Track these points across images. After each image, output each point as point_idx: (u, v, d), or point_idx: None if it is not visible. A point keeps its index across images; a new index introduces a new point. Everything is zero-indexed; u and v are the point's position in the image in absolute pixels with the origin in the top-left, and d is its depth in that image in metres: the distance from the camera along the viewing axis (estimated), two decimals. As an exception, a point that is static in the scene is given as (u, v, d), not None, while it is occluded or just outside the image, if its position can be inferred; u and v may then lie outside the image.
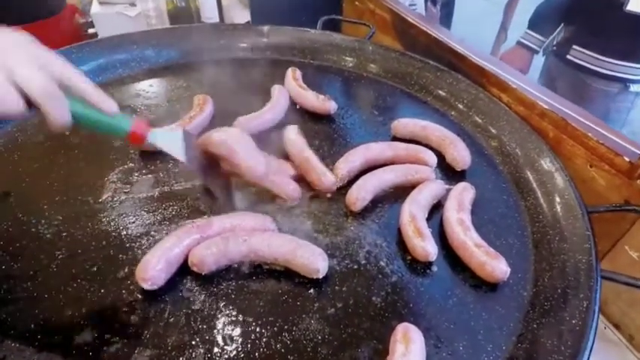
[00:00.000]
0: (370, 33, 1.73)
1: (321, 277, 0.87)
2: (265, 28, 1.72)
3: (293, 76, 1.47)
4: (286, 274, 0.89)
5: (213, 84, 1.50)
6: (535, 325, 0.81)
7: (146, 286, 0.81)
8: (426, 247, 0.92)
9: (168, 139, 0.87)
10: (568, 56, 2.03)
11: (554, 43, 2.17)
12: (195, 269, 0.87)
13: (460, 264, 0.94)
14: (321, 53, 1.70)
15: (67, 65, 0.69)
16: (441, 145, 1.23)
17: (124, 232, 0.96)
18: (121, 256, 0.92)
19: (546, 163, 1.14)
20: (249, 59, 1.68)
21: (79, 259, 0.90)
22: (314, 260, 0.86)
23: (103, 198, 1.04)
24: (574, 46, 2.00)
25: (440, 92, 1.51)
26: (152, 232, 0.97)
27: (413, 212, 0.99)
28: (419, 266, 0.94)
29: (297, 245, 0.88)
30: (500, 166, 1.24)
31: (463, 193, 1.05)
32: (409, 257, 0.96)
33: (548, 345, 0.75)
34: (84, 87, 0.71)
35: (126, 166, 1.13)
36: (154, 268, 0.81)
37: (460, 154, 1.18)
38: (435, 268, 0.94)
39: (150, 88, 1.47)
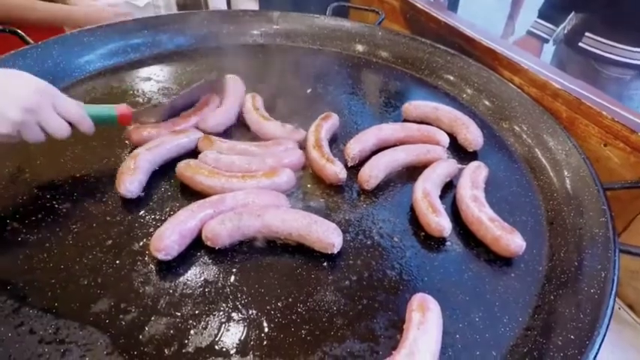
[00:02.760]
0: (380, 19, 1.73)
1: (335, 252, 0.87)
2: (275, 14, 1.72)
3: (253, 104, 1.24)
4: (300, 249, 0.89)
5: (223, 69, 1.50)
6: (552, 297, 0.81)
7: (160, 256, 0.81)
8: (441, 222, 0.91)
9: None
10: (580, 44, 2.01)
11: (565, 31, 2.15)
12: (209, 243, 0.87)
13: (474, 240, 0.94)
14: (330, 39, 1.70)
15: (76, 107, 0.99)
16: (452, 126, 1.23)
17: (139, 207, 0.96)
18: (135, 229, 0.92)
19: (560, 143, 1.13)
20: (259, 45, 1.68)
21: (94, 232, 0.91)
22: (329, 235, 0.86)
23: (113, 172, 1.04)
24: (586, 34, 1.97)
25: (450, 76, 1.50)
26: (166, 208, 0.97)
27: (427, 189, 0.98)
28: (433, 242, 0.94)
29: (311, 220, 0.88)
30: (513, 146, 1.24)
31: (477, 171, 1.05)
32: (423, 233, 0.95)
33: (567, 314, 0.75)
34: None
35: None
36: (168, 238, 0.81)
37: (472, 135, 1.18)
38: (448, 244, 0.94)
39: (160, 72, 1.48)
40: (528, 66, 1.31)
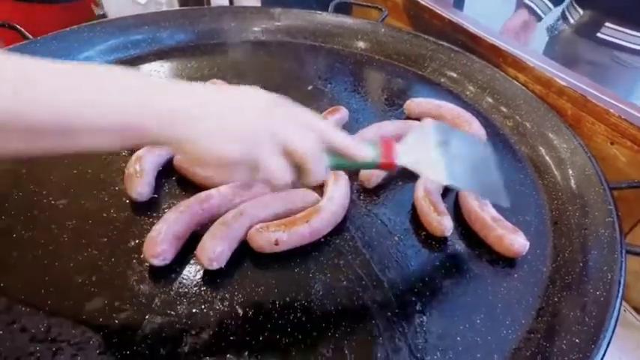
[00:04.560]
0: (383, 16, 1.71)
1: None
2: (277, 10, 1.71)
3: None
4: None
5: (224, 66, 1.49)
6: (556, 299, 0.78)
7: (156, 262, 0.79)
8: (442, 221, 0.89)
9: (419, 150, 0.71)
10: (599, 34, 1.97)
11: (573, 21, 2.11)
12: (215, 266, 0.81)
13: (476, 240, 0.92)
14: (332, 36, 1.68)
15: (327, 124, 0.67)
16: (455, 123, 1.20)
17: (135, 204, 0.95)
18: (132, 227, 0.91)
19: (565, 141, 1.11)
20: (260, 42, 1.67)
21: (90, 229, 0.89)
22: (308, 193, 0.91)
23: (115, 171, 1.03)
24: (607, 24, 1.93)
25: (454, 74, 1.48)
26: (164, 205, 0.96)
27: (428, 187, 0.96)
28: (434, 242, 0.92)
29: (288, 193, 0.90)
30: (517, 145, 1.21)
31: None
32: (424, 233, 0.93)
33: (571, 317, 0.72)
34: (345, 144, 0.66)
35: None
36: (160, 245, 0.79)
37: (476, 132, 1.15)
38: (450, 244, 0.92)
39: (160, 68, 1.47)
40: (534, 63, 1.28)
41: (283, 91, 1.33)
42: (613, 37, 1.94)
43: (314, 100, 1.35)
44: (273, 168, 0.60)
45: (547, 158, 1.12)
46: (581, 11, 2.08)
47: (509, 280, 0.84)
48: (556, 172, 1.08)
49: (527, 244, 0.84)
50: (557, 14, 2.24)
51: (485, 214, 0.91)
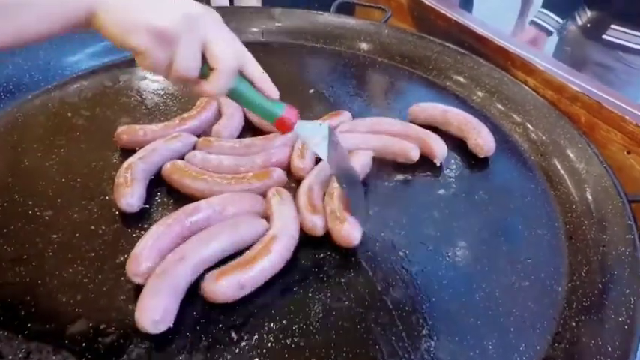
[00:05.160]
0: (386, 17, 1.66)
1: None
2: (277, 11, 1.65)
3: None
4: (293, 266, 0.82)
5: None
6: (574, 324, 0.73)
7: (140, 280, 0.73)
8: (314, 220, 0.85)
9: (314, 133, 0.85)
10: (604, 36, 1.93)
11: (580, 23, 2.08)
12: (162, 328, 0.70)
13: (484, 256, 0.87)
14: (334, 37, 1.62)
15: (247, 51, 0.75)
16: (462, 130, 1.15)
17: (126, 216, 0.90)
18: (121, 240, 0.86)
19: (578, 150, 1.06)
20: (260, 43, 1.61)
21: (77, 243, 0.84)
22: (255, 224, 0.83)
23: (105, 180, 0.98)
24: (612, 26, 1.90)
25: (460, 77, 1.42)
26: (156, 216, 0.91)
27: (312, 184, 0.93)
28: (440, 257, 0.87)
29: (231, 224, 0.82)
30: (527, 153, 1.16)
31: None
32: (430, 247, 0.88)
33: (592, 346, 0.67)
34: (262, 76, 0.77)
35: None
36: (145, 262, 0.74)
37: (484, 140, 1.10)
38: (459, 260, 0.86)
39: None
40: (544, 67, 1.23)
41: (283, 94, 1.29)
42: (619, 38, 1.92)
43: (315, 104, 1.30)
44: (187, 54, 0.66)
45: (559, 168, 1.07)
46: (589, 13, 2.05)
47: (522, 301, 0.79)
48: (569, 183, 1.02)
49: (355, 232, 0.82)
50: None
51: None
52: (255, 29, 1.63)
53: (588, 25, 2.03)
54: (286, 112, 0.79)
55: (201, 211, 0.83)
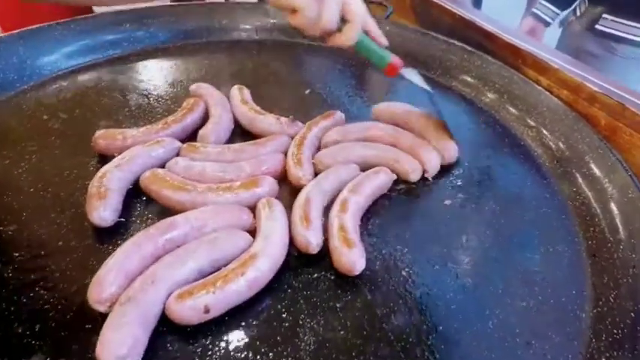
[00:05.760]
0: (387, 12, 1.56)
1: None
2: (272, 7, 1.56)
3: (241, 97, 1.12)
4: (279, 288, 0.73)
5: (213, 67, 1.36)
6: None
7: (103, 309, 0.64)
8: (308, 235, 0.76)
9: (416, 77, 1.03)
10: (597, 26, 1.92)
11: (578, 14, 2.06)
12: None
13: (496, 276, 0.77)
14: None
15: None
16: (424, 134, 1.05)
17: (99, 230, 0.81)
18: (92, 258, 0.77)
19: (598, 156, 0.96)
20: (254, 41, 1.52)
21: (41, 262, 0.75)
22: (237, 235, 0.75)
23: (78, 190, 0.89)
24: (604, 16, 1.88)
25: (467, 77, 1.33)
26: (132, 231, 0.82)
27: (310, 195, 0.83)
28: (449, 279, 0.77)
29: (211, 239, 0.73)
30: (540, 159, 1.06)
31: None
32: (436, 267, 0.79)
33: (628, 390, 0.58)
34: (374, 27, 0.98)
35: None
36: (108, 288, 0.64)
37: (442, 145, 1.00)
38: (467, 281, 0.77)
39: (143, 69, 1.33)
40: (559, 65, 1.13)
41: (277, 95, 1.20)
42: (611, 28, 1.91)
43: (311, 106, 1.21)
44: (334, 10, 0.85)
45: (578, 176, 0.98)
46: (587, 3, 2.04)
47: (542, 330, 0.70)
48: (590, 193, 0.93)
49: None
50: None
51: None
52: (248, 26, 1.55)
53: (584, 15, 2.04)
54: (394, 58, 0.98)
55: (177, 228, 0.74)
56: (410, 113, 1.08)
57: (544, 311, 0.72)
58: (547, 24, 2.20)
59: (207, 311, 0.64)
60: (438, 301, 0.73)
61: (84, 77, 1.26)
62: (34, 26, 1.24)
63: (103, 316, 0.66)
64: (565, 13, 2.17)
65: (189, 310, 0.63)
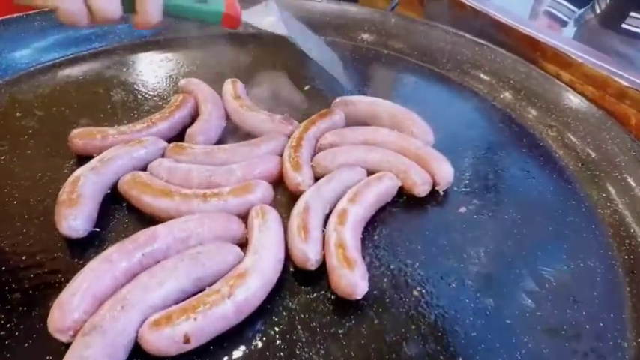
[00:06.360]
0: (393, 4, 1.48)
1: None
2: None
3: (233, 91, 1.04)
4: (269, 309, 0.64)
5: (206, 62, 1.26)
6: (656, 402, 0.54)
7: (65, 339, 0.55)
8: (306, 249, 0.66)
9: (263, 15, 0.86)
10: (624, 25, 1.84)
11: (598, 12, 1.98)
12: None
13: (521, 296, 0.68)
14: (333, 27, 1.44)
15: None
16: (393, 123, 0.95)
17: (72, 242, 0.72)
18: (60, 274, 0.67)
19: (631, 158, 0.87)
20: (249, 35, 1.42)
21: (3, 279, 0.66)
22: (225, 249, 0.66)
23: (50, 196, 0.79)
24: (632, 14, 1.80)
25: (479, 72, 1.24)
26: (108, 243, 0.72)
27: (309, 204, 0.74)
28: (467, 299, 0.68)
29: (193, 255, 0.64)
30: (562, 161, 0.97)
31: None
32: (453, 284, 0.69)
33: None
34: None
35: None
36: (71, 314, 0.55)
37: (419, 128, 0.92)
38: (489, 302, 0.67)
39: (131, 63, 1.24)
40: (583, 59, 1.04)
41: (276, 91, 1.09)
42: (638, 27, 1.82)
43: (311, 103, 1.11)
44: None
45: (606, 180, 0.88)
46: (608, 1, 1.94)
47: (577, 360, 0.60)
48: (621, 200, 0.84)
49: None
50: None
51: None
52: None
53: (607, 13, 1.94)
54: (227, 5, 0.77)
55: (157, 240, 0.64)
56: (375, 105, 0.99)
57: (579, 340, 0.63)
58: (564, 23, 2.07)
59: (187, 341, 0.55)
60: (455, 326, 0.64)
61: (64, 72, 1.16)
62: (10, 16, 1.15)
63: (68, 346, 0.57)
64: (582, 11, 2.06)
65: (166, 340, 0.54)
